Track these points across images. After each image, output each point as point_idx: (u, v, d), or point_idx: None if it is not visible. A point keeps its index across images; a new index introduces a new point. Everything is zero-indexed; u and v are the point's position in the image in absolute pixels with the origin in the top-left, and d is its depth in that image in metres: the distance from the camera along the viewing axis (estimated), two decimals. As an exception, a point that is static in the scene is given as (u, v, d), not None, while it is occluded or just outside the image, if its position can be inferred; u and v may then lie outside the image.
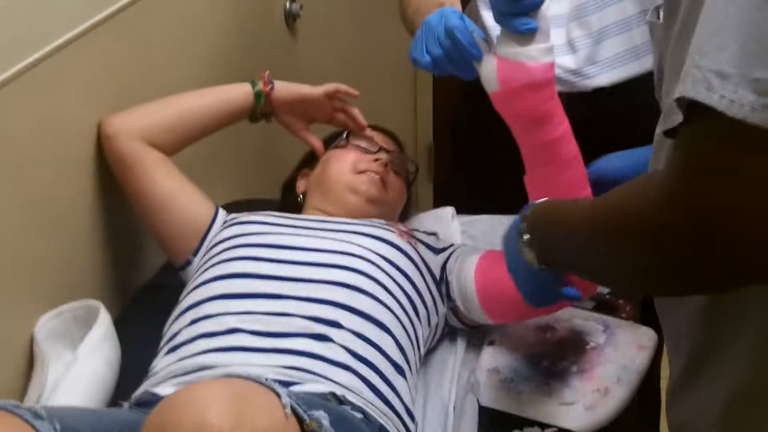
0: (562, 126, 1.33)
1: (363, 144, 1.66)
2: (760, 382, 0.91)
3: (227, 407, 0.91)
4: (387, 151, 1.65)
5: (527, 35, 1.26)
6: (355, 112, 1.67)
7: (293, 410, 0.98)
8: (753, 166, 0.71)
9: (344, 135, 1.68)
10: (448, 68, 1.35)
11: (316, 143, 1.68)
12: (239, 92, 1.63)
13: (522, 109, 1.31)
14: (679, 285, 0.82)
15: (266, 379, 1.01)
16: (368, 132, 1.68)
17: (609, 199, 0.87)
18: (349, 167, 1.59)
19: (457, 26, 1.30)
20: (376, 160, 1.60)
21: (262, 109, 1.64)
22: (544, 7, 1.25)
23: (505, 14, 1.25)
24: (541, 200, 1.12)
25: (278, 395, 0.98)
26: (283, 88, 1.65)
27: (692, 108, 0.74)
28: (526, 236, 1.10)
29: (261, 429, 0.92)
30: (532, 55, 1.27)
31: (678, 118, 0.77)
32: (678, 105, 0.75)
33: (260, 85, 1.63)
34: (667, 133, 0.81)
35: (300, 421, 0.99)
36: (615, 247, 0.83)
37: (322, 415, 1.00)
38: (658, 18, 0.98)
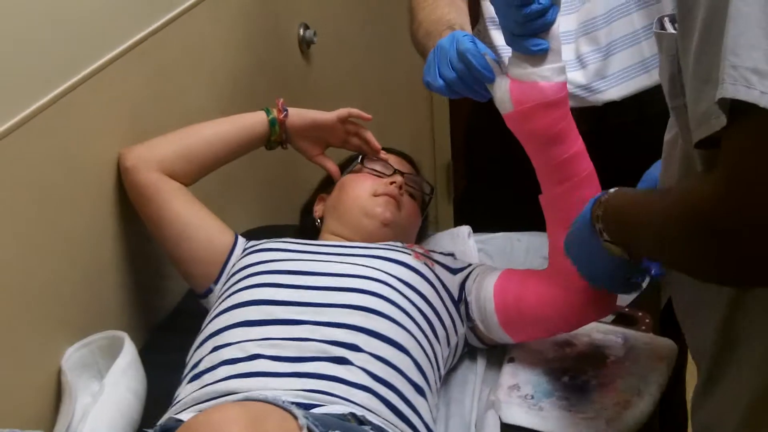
0: (576, 144, 1.34)
1: (378, 167, 1.68)
2: None
3: (243, 429, 0.93)
4: (401, 174, 1.66)
5: (539, 56, 1.28)
6: (369, 135, 1.68)
7: (309, 431, 0.99)
8: None
9: (359, 159, 1.70)
10: (462, 91, 1.36)
11: (332, 168, 1.71)
12: (254, 120, 1.66)
13: (536, 128, 1.32)
14: (739, 276, 0.85)
15: (283, 401, 1.03)
16: (383, 155, 1.70)
17: (674, 195, 0.91)
18: (364, 192, 1.61)
19: (469, 49, 1.32)
20: (392, 183, 1.62)
21: (277, 137, 1.67)
22: (554, 27, 1.27)
23: (516, 36, 1.26)
24: (607, 194, 1.14)
25: (295, 416, 1.00)
26: (297, 115, 1.67)
27: (734, 110, 0.76)
28: (605, 234, 1.14)
29: None
30: (544, 75, 1.29)
31: (715, 124, 0.78)
32: (721, 108, 0.77)
33: (274, 113, 1.66)
34: (702, 143, 0.82)
35: (317, 441, 1.00)
36: (686, 240, 0.86)
37: (338, 435, 1.02)
38: (664, 28, 0.99)
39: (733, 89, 0.74)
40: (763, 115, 0.73)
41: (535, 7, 1.21)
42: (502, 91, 1.32)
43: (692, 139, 0.83)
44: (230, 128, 1.65)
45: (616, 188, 1.14)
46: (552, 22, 1.25)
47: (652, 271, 1.27)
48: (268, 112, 1.66)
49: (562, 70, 1.31)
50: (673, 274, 1.12)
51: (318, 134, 1.70)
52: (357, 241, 1.57)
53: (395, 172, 1.66)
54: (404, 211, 1.63)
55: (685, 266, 0.93)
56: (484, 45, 1.35)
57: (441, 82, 1.36)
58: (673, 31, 0.93)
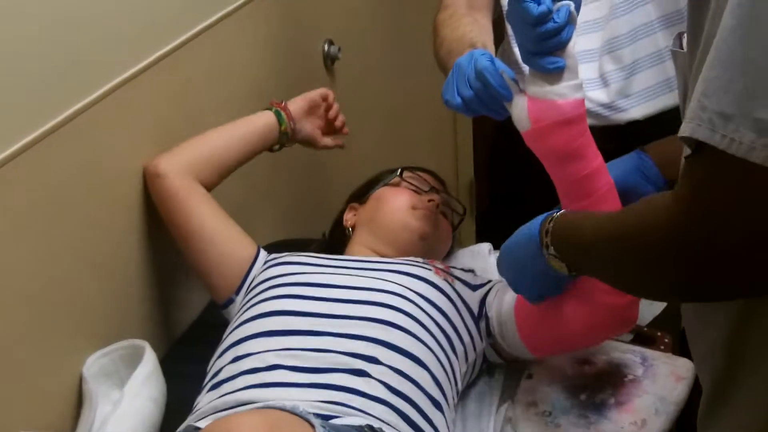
0: (596, 161, 1.34)
1: (416, 183, 1.70)
2: None
3: None
4: (437, 192, 1.68)
5: (555, 74, 1.28)
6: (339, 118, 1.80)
7: (327, 441, 1.00)
8: (750, 200, 0.78)
9: (398, 172, 1.72)
10: (480, 109, 1.37)
11: (338, 142, 1.81)
12: (260, 116, 1.72)
13: (555, 145, 1.32)
14: (690, 295, 0.94)
15: (301, 410, 1.03)
16: (421, 173, 1.72)
17: (626, 219, 0.97)
18: (404, 204, 1.63)
19: (487, 68, 1.33)
20: (430, 200, 1.63)
21: (286, 125, 1.71)
22: (570, 44, 1.27)
23: (532, 54, 1.27)
24: (558, 213, 1.20)
25: (312, 426, 1.00)
26: (292, 101, 1.75)
27: (698, 144, 0.80)
28: (551, 248, 1.18)
29: None
30: (561, 92, 1.29)
31: (686, 151, 0.84)
32: (685, 140, 0.82)
33: (274, 107, 1.73)
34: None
35: (334, 451, 1.01)
36: (633, 262, 0.93)
37: (355, 445, 1.03)
38: (681, 47, 1.00)
39: (699, 130, 0.79)
40: (721, 155, 0.78)
41: (550, 25, 1.22)
42: (519, 109, 1.33)
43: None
44: (243, 128, 1.70)
45: (562, 212, 1.22)
46: (568, 41, 1.26)
47: None
48: (269, 108, 1.73)
49: (579, 87, 1.31)
50: None
51: (314, 112, 1.77)
52: (389, 254, 1.59)
53: (432, 188, 1.68)
54: (439, 230, 1.64)
55: (643, 287, 1.00)
56: (502, 63, 1.36)
57: (459, 100, 1.37)
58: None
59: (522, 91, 1.33)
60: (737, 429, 0.98)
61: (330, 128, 1.81)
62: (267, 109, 1.73)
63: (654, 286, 0.95)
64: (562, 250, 1.17)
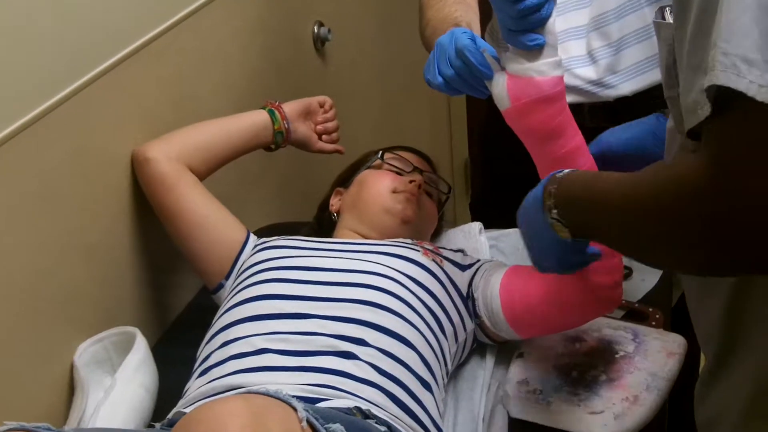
0: (575, 139, 1.34)
1: (397, 164, 1.69)
2: None
3: (244, 421, 0.94)
4: (420, 172, 1.67)
5: (535, 51, 1.27)
6: (334, 131, 1.79)
7: (310, 424, 1.00)
8: None
9: (379, 155, 1.71)
10: (461, 88, 1.36)
11: (338, 148, 1.79)
12: (255, 114, 1.72)
13: (534, 123, 1.32)
14: (715, 266, 0.83)
15: (284, 394, 1.04)
16: (402, 152, 1.71)
17: (643, 185, 0.88)
18: (384, 188, 1.62)
19: (467, 46, 1.32)
20: (411, 181, 1.62)
21: (279, 125, 1.71)
22: (550, 22, 1.26)
23: (512, 31, 1.26)
24: (563, 173, 1.11)
25: (295, 410, 1.01)
26: (288, 103, 1.74)
27: (721, 97, 0.75)
28: (554, 211, 1.10)
29: None
30: (540, 69, 1.28)
31: (701, 114, 0.77)
32: (707, 95, 0.76)
33: (268, 106, 1.73)
34: (692, 133, 0.81)
35: (317, 434, 1.01)
36: (656, 231, 0.85)
37: (338, 428, 1.03)
38: (663, 18, 0.99)
39: (724, 77, 0.73)
40: (749, 104, 0.72)
41: (530, 2, 1.21)
42: (500, 88, 1.32)
43: (683, 128, 0.83)
44: (235, 122, 1.70)
45: (567, 171, 1.12)
46: (547, 17, 1.25)
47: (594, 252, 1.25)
48: (263, 108, 1.73)
49: (559, 65, 1.31)
50: None
51: (310, 117, 1.77)
52: (374, 237, 1.58)
53: (414, 169, 1.67)
54: (423, 211, 1.64)
55: (655, 252, 0.91)
56: (483, 41, 1.35)
57: (440, 79, 1.36)
58: (671, 21, 0.93)
59: (503, 69, 1.32)
60: (734, 397, 0.98)
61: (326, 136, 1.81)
62: (262, 108, 1.73)
63: (671, 259, 0.89)
64: (567, 213, 1.09)
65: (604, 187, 0.98)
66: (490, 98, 1.39)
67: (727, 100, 0.74)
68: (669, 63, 0.93)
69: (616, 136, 1.43)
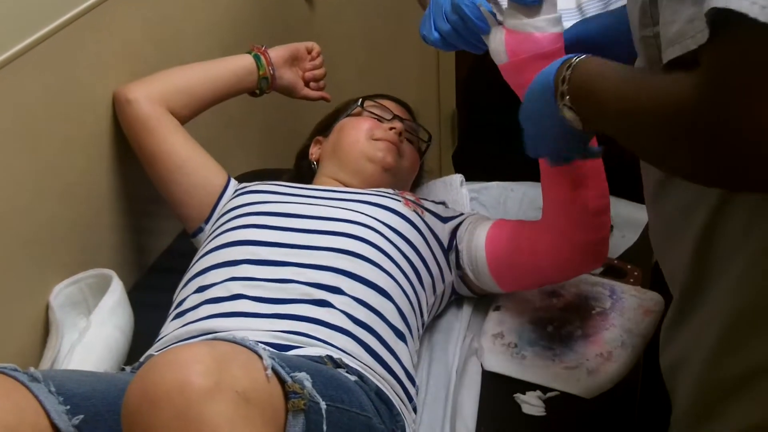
0: None
1: (377, 111, 1.67)
2: (746, 314, 0.92)
3: (208, 367, 0.93)
4: (401, 120, 1.66)
5: (534, 7, 1.26)
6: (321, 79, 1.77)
7: (275, 372, 1.00)
8: None
9: (359, 102, 1.69)
10: (458, 43, 1.34)
11: (324, 95, 1.76)
12: (241, 58, 1.70)
13: (531, 79, 1.30)
14: (707, 177, 0.84)
15: (249, 342, 1.03)
16: (382, 101, 1.70)
17: (643, 90, 0.87)
18: (364, 135, 1.61)
19: (463, 0, 1.30)
20: (391, 128, 1.61)
21: (264, 70, 1.69)
22: None
23: None
24: (580, 59, 1.06)
25: (260, 357, 1.00)
26: (274, 48, 1.72)
27: (719, 21, 0.74)
28: (567, 98, 1.06)
29: (241, 389, 0.94)
30: (539, 25, 1.27)
31: (691, 43, 0.77)
32: (708, 19, 0.75)
33: (254, 51, 1.70)
34: (673, 63, 0.81)
35: (282, 382, 1.01)
36: (656, 133, 0.85)
37: (304, 377, 1.02)
38: None
39: None
40: (749, 25, 0.71)
41: None
42: (497, 42, 1.30)
43: (662, 59, 0.82)
44: (219, 66, 1.68)
45: (584, 57, 1.07)
46: None
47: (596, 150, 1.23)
48: (249, 52, 1.70)
49: (558, 21, 1.29)
50: (647, 204, 1.10)
51: (297, 63, 1.74)
52: (354, 185, 1.57)
53: (394, 117, 1.66)
54: (404, 159, 1.62)
55: (654, 158, 0.92)
56: None
57: (436, 35, 1.34)
58: None
59: (500, 24, 1.30)
60: (704, 334, 0.97)
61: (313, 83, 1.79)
62: (247, 52, 1.71)
63: (671, 165, 0.88)
64: (578, 102, 1.05)
65: (613, 86, 0.96)
66: (475, 54, 1.37)
67: (725, 24, 0.73)
68: (645, 3, 0.91)
69: (586, 25, 1.39)
